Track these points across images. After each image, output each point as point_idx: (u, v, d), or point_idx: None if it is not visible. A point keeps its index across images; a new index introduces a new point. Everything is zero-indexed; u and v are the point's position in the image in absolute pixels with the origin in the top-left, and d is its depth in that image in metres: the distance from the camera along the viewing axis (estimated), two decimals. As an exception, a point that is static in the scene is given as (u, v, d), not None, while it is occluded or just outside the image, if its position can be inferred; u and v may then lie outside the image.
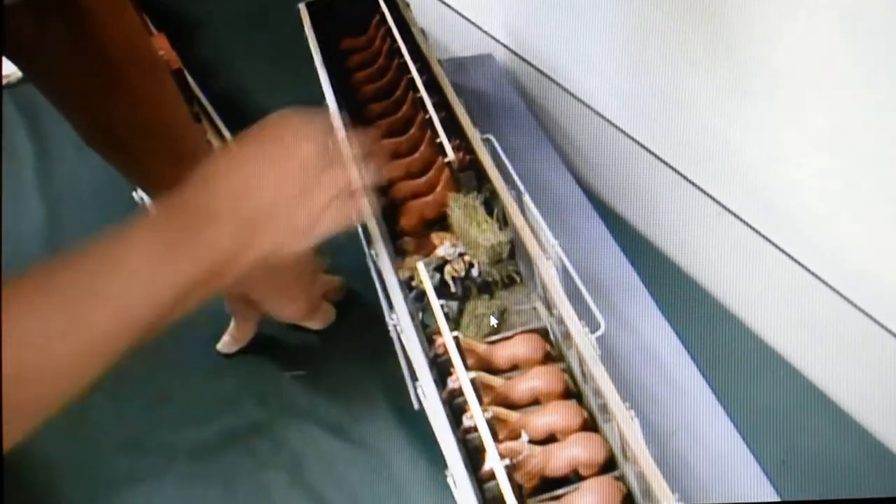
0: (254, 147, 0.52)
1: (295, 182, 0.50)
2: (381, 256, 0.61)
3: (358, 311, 0.72)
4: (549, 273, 0.57)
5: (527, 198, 0.61)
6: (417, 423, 0.62)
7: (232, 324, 0.70)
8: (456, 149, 0.67)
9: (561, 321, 0.56)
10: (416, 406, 0.62)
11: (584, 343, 0.52)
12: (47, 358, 0.41)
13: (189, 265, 0.46)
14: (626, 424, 0.48)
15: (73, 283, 0.43)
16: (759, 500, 0.59)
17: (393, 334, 0.60)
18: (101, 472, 0.65)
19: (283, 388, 0.68)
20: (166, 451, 0.66)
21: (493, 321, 0.61)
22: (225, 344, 0.70)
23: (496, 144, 0.65)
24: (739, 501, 0.59)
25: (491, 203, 0.65)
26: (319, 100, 0.77)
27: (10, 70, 0.94)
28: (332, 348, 0.70)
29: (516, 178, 0.62)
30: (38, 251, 0.81)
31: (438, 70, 0.74)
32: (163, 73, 0.64)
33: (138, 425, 0.67)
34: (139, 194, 0.77)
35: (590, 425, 0.54)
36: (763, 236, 0.68)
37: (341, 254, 0.73)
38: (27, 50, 0.58)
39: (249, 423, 0.67)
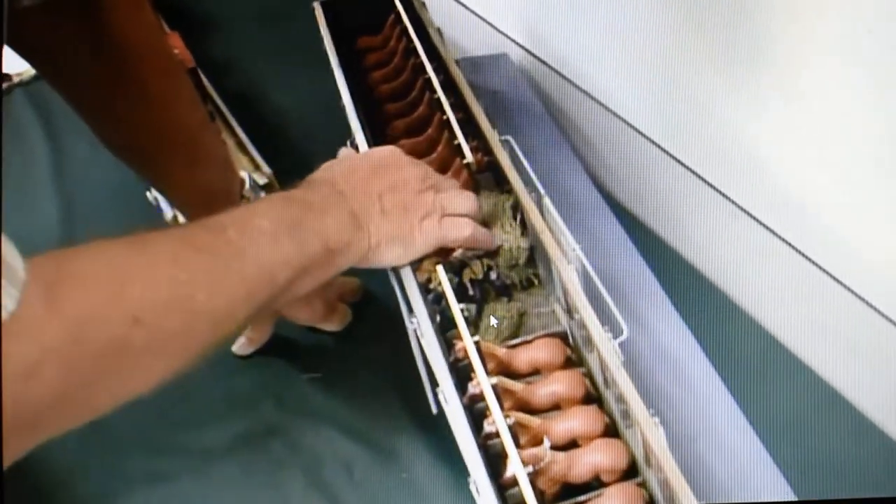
0: (363, 160, 0.60)
1: (397, 195, 0.57)
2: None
3: (374, 312, 0.71)
4: (570, 277, 0.56)
5: (547, 200, 0.61)
6: (435, 427, 0.62)
7: (251, 326, 0.70)
8: (474, 150, 0.66)
9: (582, 325, 0.55)
10: (434, 410, 0.62)
11: (606, 349, 0.52)
12: (201, 304, 0.43)
13: (314, 240, 0.51)
14: (650, 432, 0.47)
15: (215, 241, 0.46)
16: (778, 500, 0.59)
17: (412, 338, 0.60)
18: (117, 473, 0.65)
19: (300, 390, 0.68)
20: (181, 452, 0.65)
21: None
22: (241, 345, 0.70)
23: (515, 146, 0.65)
24: (758, 502, 0.58)
25: (511, 205, 0.64)
26: (335, 97, 0.76)
27: (24, 67, 0.94)
28: (349, 350, 0.70)
29: (536, 180, 0.62)
30: (53, 248, 0.81)
31: (456, 70, 0.74)
32: (179, 74, 0.63)
33: (153, 426, 0.67)
34: (153, 194, 0.77)
35: (611, 431, 0.53)
36: (782, 238, 0.67)
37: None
38: (42, 50, 0.58)
39: (265, 425, 0.66)
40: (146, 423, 0.67)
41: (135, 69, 0.58)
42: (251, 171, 0.79)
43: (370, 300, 0.72)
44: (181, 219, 0.72)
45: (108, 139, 0.62)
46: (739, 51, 0.64)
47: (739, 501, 0.58)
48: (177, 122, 0.62)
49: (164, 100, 0.61)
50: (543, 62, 0.90)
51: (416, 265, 0.62)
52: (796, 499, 0.59)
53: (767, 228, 0.68)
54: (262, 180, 0.77)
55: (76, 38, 0.56)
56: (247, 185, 0.68)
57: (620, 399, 0.51)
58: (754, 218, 0.69)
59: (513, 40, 0.94)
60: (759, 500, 0.58)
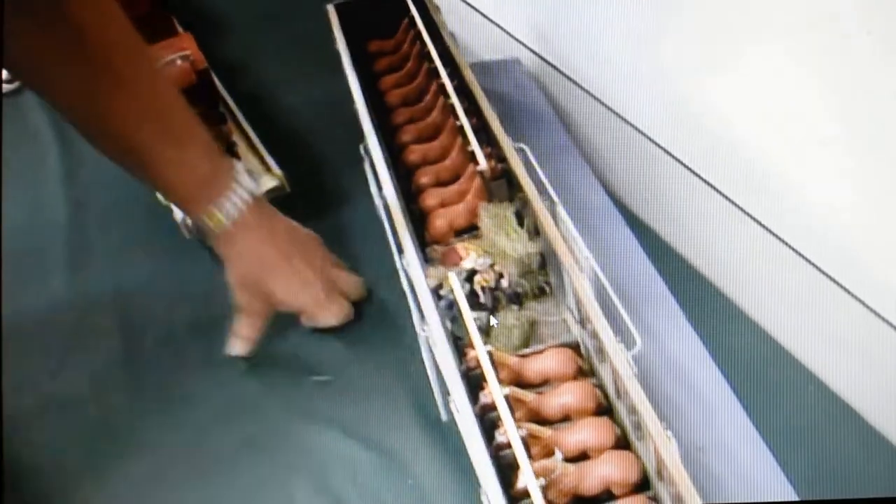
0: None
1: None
2: (412, 266, 0.60)
3: (384, 316, 0.71)
4: (583, 287, 0.56)
5: (560, 209, 0.60)
6: (444, 434, 0.62)
7: (240, 320, 0.68)
8: (488, 157, 0.66)
9: (594, 336, 0.55)
10: (444, 417, 0.62)
11: (620, 360, 0.51)
12: None
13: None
14: (663, 445, 0.47)
15: None
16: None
17: (423, 344, 0.59)
18: (122, 476, 0.64)
19: (307, 394, 0.67)
20: (188, 456, 0.65)
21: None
22: (234, 345, 0.68)
23: (529, 154, 0.65)
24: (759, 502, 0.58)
25: (521, 213, 0.64)
26: (346, 100, 0.76)
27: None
28: (357, 354, 0.69)
29: (550, 188, 0.62)
30: (61, 248, 0.80)
31: (470, 76, 0.73)
32: (149, 59, 0.63)
33: (159, 429, 0.67)
34: (163, 195, 0.77)
35: (622, 442, 0.53)
36: (794, 250, 0.67)
37: (367, 261, 0.73)
38: (19, 60, 0.57)
39: (272, 429, 0.66)
40: (151, 426, 0.67)
41: (102, 57, 0.57)
42: (262, 172, 0.79)
43: (380, 304, 0.72)
44: (190, 221, 0.72)
45: (94, 135, 0.62)
46: (747, 56, 0.64)
47: (742, 502, 0.58)
48: (156, 102, 0.61)
49: (139, 84, 0.60)
50: (555, 67, 0.89)
51: (425, 270, 0.62)
52: (804, 510, 0.59)
53: (779, 238, 0.68)
54: (273, 182, 0.77)
55: (43, 39, 0.56)
56: (238, 170, 0.66)
57: (632, 411, 0.51)
58: (765, 227, 0.69)
59: (524, 45, 0.93)
60: (761, 501, 0.58)
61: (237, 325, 0.68)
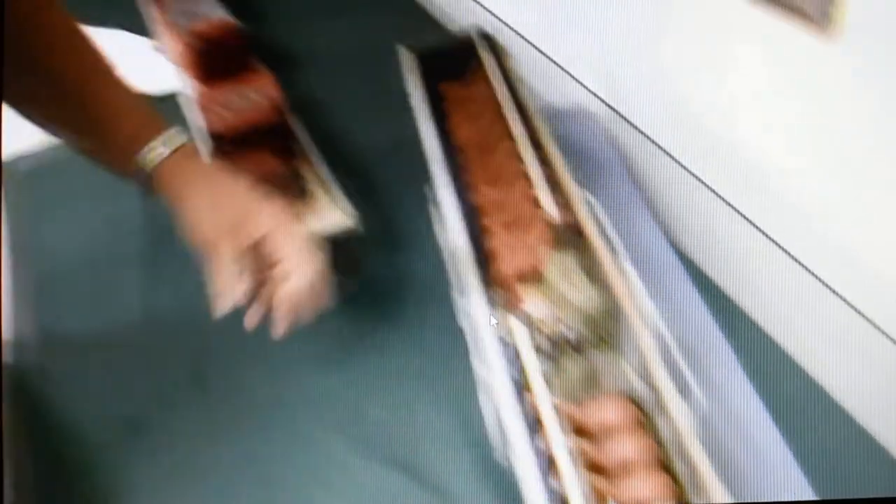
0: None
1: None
2: (475, 308, 0.61)
3: (444, 358, 0.71)
4: (645, 339, 0.56)
5: (624, 260, 0.61)
6: (501, 477, 0.62)
7: (213, 274, 0.60)
8: (555, 204, 0.67)
9: (655, 389, 0.55)
10: (500, 460, 0.62)
11: (680, 416, 0.51)
12: None
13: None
14: (722, 506, 0.47)
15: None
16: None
17: (481, 387, 0.60)
18: (151, 484, 0.65)
19: (367, 430, 0.68)
20: (243, 486, 0.66)
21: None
22: (218, 304, 0.59)
23: (596, 203, 0.65)
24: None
25: (586, 262, 0.65)
26: (415, 140, 0.77)
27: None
28: (409, 385, 0.69)
29: (616, 240, 0.62)
30: (136, 262, 0.83)
31: (538, 121, 0.75)
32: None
33: (217, 455, 0.68)
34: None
35: (679, 498, 0.53)
36: (859, 312, 0.66)
37: (430, 299, 0.73)
38: None
39: (323, 457, 0.66)
40: (211, 451, 0.67)
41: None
42: (333, 211, 0.79)
43: (440, 344, 0.72)
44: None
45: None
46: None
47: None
48: (73, 34, 0.61)
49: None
50: (623, 117, 0.90)
51: (488, 314, 0.62)
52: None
53: (841, 297, 0.67)
54: (346, 221, 0.77)
55: None
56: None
57: (692, 468, 0.51)
58: (835, 292, 0.68)
59: (593, 93, 0.94)
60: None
61: (215, 282, 0.60)
